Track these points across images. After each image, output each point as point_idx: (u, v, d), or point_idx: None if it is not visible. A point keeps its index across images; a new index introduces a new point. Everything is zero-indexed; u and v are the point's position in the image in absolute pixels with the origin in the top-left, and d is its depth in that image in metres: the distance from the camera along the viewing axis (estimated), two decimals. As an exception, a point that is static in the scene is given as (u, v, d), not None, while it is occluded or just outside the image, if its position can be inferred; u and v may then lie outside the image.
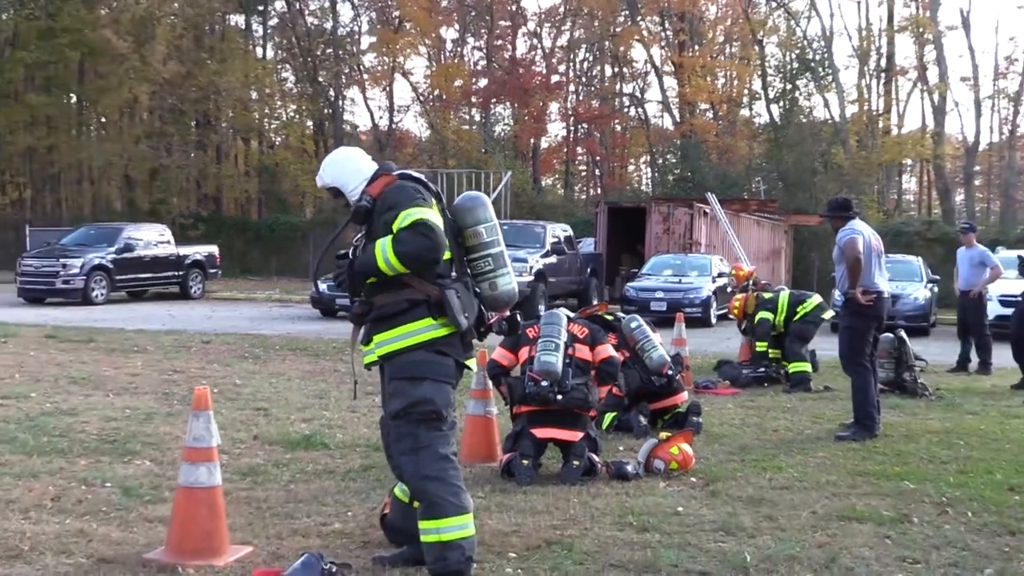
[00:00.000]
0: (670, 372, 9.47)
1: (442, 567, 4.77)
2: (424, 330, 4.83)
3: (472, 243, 5.02)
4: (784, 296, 13.20)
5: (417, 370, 4.83)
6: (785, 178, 42.69)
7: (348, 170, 5.11)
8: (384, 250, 4.75)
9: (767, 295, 13.32)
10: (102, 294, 25.55)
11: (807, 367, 12.60)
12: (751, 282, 14.54)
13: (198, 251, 29.61)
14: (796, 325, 12.82)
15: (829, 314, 13.33)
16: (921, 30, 45.54)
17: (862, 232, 9.42)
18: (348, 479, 7.16)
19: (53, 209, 49.42)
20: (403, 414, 4.84)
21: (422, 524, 4.83)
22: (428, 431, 4.83)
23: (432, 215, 4.78)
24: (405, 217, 4.74)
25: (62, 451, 7.76)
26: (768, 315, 12.94)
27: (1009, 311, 14.90)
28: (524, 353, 7.65)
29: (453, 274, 4.93)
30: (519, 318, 5.39)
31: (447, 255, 4.88)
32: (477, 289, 5.00)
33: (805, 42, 48.28)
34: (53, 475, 7.00)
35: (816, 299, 13.18)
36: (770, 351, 12.97)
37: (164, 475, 7.03)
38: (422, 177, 5.06)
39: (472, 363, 5.13)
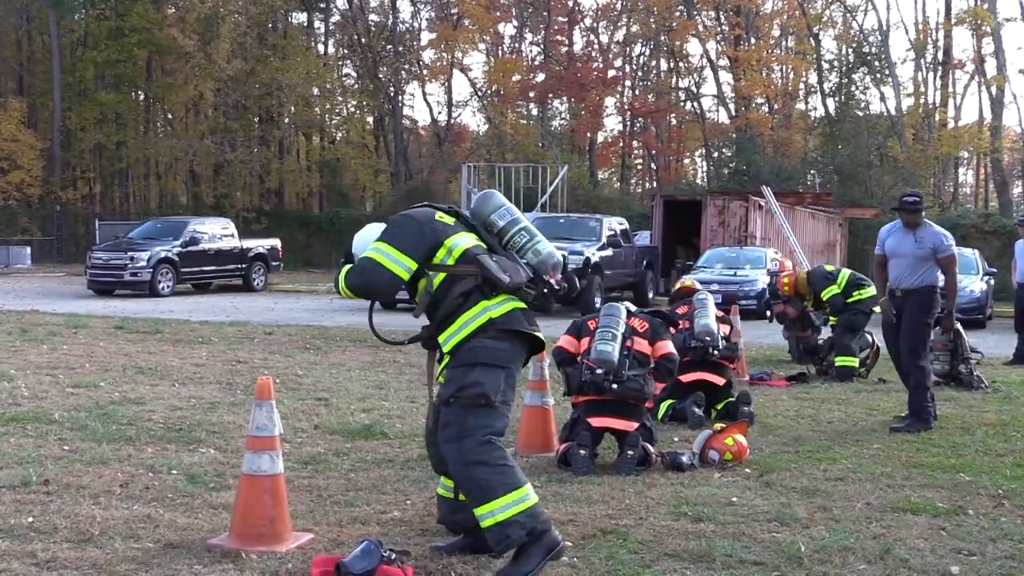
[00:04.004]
0: (707, 339, 9.48)
1: (507, 546, 4.80)
2: (480, 314, 4.90)
3: (498, 230, 5.15)
4: (845, 274, 13.12)
5: (470, 356, 4.89)
6: (840, 171, 42.36)
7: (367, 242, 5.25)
8: (340, 275, 5.05)
9: (829, 268, 13.25)
10: (168, 286, 26.03)
11: (854, 363, 12.46)
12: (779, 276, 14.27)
13: (261, 244, 30.04)
14: (846, 315, 12.70)
15: None
16: (980, 22, 44.82)
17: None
18: (407, 468, 7.22)
19: (121, 203, 50.56)
20: (453, 399, 4.89)
21: (477, 512, 4.85)
22: (475, 418, 4.86)
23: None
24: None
25: (130, 439, 7.89)
26: (835, 289, 12.81)
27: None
28: (585, 343, 7.69)
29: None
30: (575, 276, 5.43)
31: (483, 245, 5.04)
32: (524, 262, 5.10)
33: (861, 36, 47.77)
34: (122, 462, 7.12)
35: (872, 289, 12.99)
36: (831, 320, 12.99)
37: (228, 463, 7.13)
38: (436, 205, 5.20)
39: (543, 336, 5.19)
